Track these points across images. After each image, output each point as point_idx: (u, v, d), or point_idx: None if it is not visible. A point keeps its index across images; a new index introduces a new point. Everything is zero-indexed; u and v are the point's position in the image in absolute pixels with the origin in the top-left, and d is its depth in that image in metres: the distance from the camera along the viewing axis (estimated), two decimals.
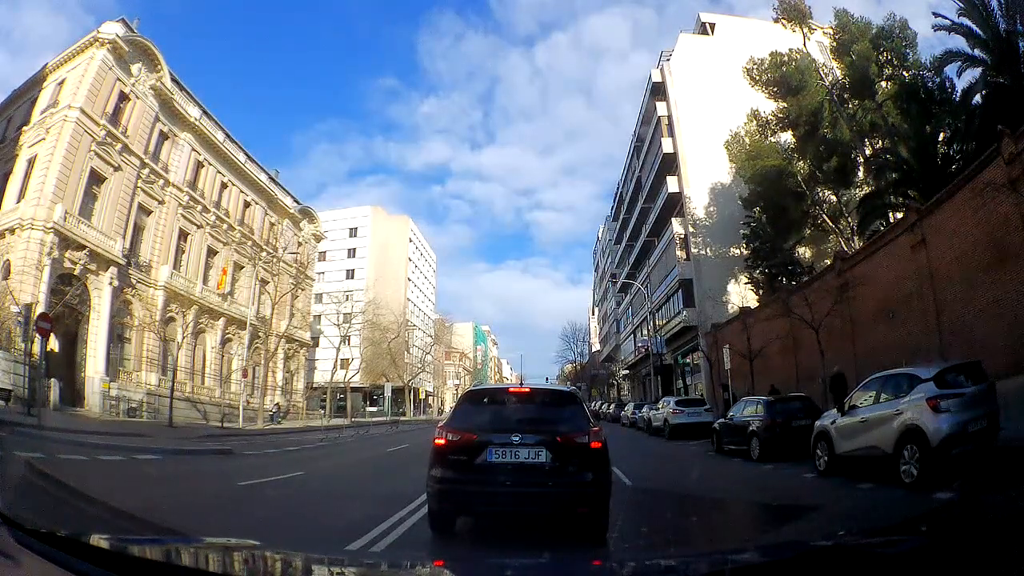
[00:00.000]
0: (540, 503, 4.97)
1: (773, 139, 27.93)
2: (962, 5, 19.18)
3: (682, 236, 35.70)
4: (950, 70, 20.99)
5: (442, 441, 5.14)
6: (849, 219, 27.06)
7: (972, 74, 19.70)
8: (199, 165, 34.22)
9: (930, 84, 21.77)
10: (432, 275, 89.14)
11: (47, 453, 9.55)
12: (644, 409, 28.67)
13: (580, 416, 5.33)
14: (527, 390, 5.81)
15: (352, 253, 70.78)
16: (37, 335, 16.78)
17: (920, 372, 8.49)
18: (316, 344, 51.74)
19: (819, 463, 9.95)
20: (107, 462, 11.37)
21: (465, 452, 5.01)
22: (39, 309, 19.58)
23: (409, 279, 74.90)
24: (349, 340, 45.82)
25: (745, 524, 6.95)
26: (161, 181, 30.49)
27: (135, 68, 27.99)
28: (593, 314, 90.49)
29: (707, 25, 40.76)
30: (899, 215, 19.72)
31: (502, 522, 5.49)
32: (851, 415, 9.25)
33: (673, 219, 36.41)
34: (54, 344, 22.31)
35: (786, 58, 26.43)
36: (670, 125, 37.48)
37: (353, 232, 71.11)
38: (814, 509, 7.48)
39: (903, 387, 8.48)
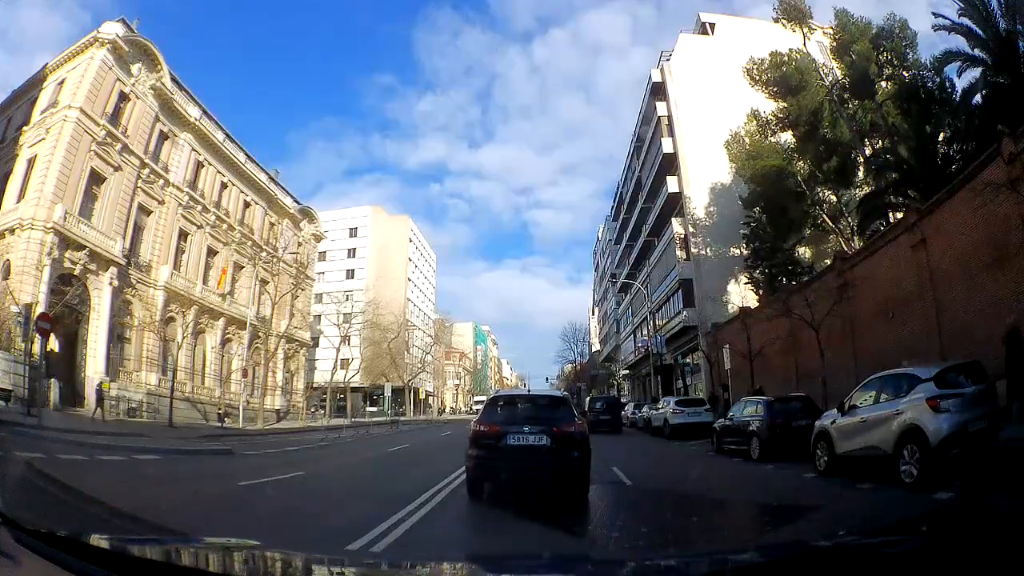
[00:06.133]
0: (543, 473, 7.14)
1: (773, 139, 27.91)
2: (962, 5, 19.17)
3: (682, 236, 35.70)
4: (950, 70, 21.01)
5: (476, 431, 7.33)
6: (849, 219, 27.04)
7: (972, 74, 19.71)
8: (199, 165, 34.21)
9: (930, 84, 21.75)
10: (432, 275, 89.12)
11: (47, 453, 9.54)
12: (644, 409, 28.70)
13: (570, 413, 7.69)
14: (533, 395, 8.31)
15: (352, 253, 70.80)
16: (37, 335, 16.82)
17: (920, 372, 8.48)
18: (316, 344, 51.72)
19: (819, 463, 9.94)
20: (107, 462, 11.36)
21: (492, 438, 7.20)
22: (39, 309, 19.59)
23: (409, 279, 74.88)
24: (349, 340, 45.79)
25: (745, 524, 6.94)
26: (161, 181, 30.49)
27: (135, 68, 27.99)
28: (593, 314, 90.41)
29: (707, 25, 40.77)
30: (899, 215, 19.72)
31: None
32: (851, 415, 9.24)
33: (673, 219, 36.41)
34: (54, 344, 22.35)
35: (786, 58, 26.42)
36: (670, 125, 37.48)
37: (353, 232, 71.13)
38: (814, 509, 7.47)
39: (903, 387, 8.46)
